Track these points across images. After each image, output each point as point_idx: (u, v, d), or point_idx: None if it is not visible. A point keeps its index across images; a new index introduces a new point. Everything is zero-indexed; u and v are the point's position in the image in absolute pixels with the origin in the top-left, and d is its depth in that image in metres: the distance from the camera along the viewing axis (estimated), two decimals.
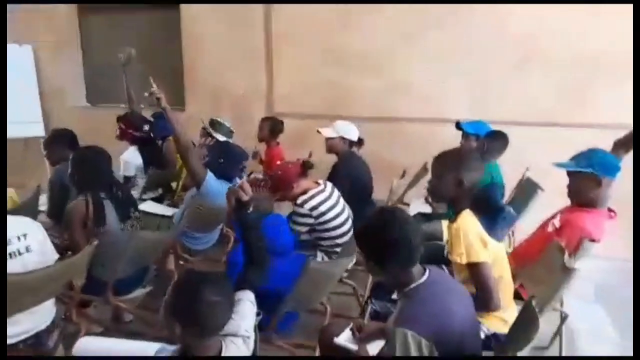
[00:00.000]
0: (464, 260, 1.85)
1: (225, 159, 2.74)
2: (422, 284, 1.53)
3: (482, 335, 1.91)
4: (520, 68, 3.90)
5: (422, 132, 4.14)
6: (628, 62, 3.53)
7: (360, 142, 3.41)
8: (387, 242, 1.48)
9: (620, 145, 2.44)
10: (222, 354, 1.31)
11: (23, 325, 1.90)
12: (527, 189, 3.19)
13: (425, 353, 1.38)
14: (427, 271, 1.57)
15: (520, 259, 2.34)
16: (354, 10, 4.22)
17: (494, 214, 1.98)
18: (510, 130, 3.50)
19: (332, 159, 3.42)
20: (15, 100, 5.12)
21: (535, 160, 3.80)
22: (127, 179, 3.62)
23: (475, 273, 1.85)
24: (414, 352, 1.37)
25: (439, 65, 4.09)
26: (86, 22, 5.43)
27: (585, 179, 2.21)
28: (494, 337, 1.91)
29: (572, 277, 1.87)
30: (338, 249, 2.64)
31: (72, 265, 1.99)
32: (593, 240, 2.12)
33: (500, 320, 1.92)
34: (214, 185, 2.68)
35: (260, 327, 1.78)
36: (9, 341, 1.86)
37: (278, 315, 1.92)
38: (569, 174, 2.28)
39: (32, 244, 1.92)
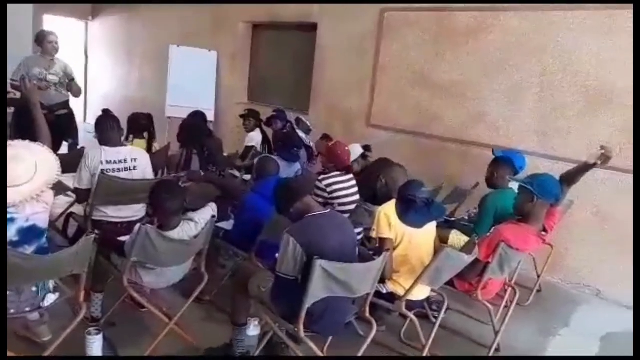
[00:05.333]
0: (374, 235, 2.52)
1: (283, 144, 3.75)
2: (314, 215, 2.25)
3: (384, 291, 2.54)
4: (588, 108, 4.04)
5: (489, 156, 4.50)
6: None
7: (364, 156, 4.06)
8: (283, 190, 2.34)
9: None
10: (178, 228, 2.33)
11: (123, 212, 3.16)
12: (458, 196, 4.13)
13: (297, 256, 2.11)
14: (327, 211, 2.31)
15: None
16: (445, 43, 4.83)
17: (416, 206, 2.55)
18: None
19: None
20: (198, 92, 7.00)
21: (599, 201, 3.94)
22: (248, 147, 4.98)
23: (379, 245, 2.50)
24: (290, 252, 2.12)
25: (514, 100, 4.43)
26: (257, 37, 7.02)
27: (524, 193, 2.60)
28: (391, 294, 2.53)
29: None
30: None
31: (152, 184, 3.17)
32: (510, 246, 2.52)
33: (398, 284, 2.53)
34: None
35: (247, 250, 2.75)
36: (114, 220, 3.14)
37: (257, 240, 2.82)
38: (520, 188, 2.68)
39: (138, 166, 3.19)
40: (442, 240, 3.20)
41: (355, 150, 3.90)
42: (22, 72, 4.57)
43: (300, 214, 2.29)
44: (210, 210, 2.51)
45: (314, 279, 2.00)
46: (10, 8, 7.28)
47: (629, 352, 3.05)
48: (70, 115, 5.18)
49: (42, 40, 4.85)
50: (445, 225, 3.61)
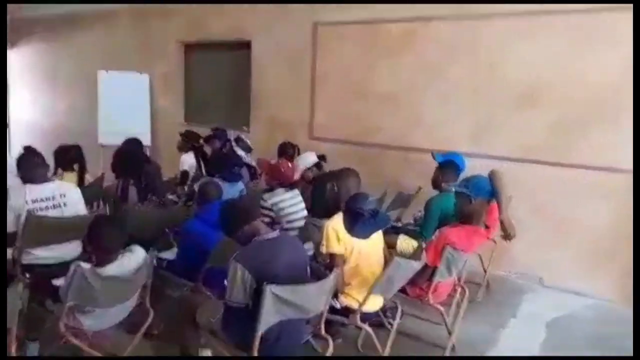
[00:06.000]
0: (324, 250, 2.50)
1: (222, 163, 3.67)
2: (263, 238, 2.20)
3: (338, 306, 2.52)
4: (518, 108, 4.24)
5: (428, 160, 4.62)
6: (626, 103, 3.71)
7: (318, 165, 4.08)
8: (231, 211, 2.25)
9: None
10: (116, 261, 2.20)
11: (55, 252, 2.95)
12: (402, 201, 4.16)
13: (247, 282, 2.05)
14: (276, 233, 2.25)
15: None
16: (378, 54, 4.93)
17: (363, 219, 2.55)
18: (507, 166, 3.97)
19: None
20: (132, 116, 6.76)
21: (529, 195, 4.12)
22: (183, 172, 4.82)
23: (330, 260, 2.48)
24: (238, 279, 2.05)
25: (447, 105, 4.58)
26: (189, 56, 6.88)
27: (462, 197, 2.68)
28: (345, 309, 2.51)
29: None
30: None
31: (86, 220, 3.01)
32: (455, 248, 2.57)
33: (351, 297, 2.51)
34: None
35: (193, 279, 2.64)
36: (46, 262, 2.93)
37: (203, 267, 2.72)
38: (456, 194, 2.75)
39: (67, 202, 2.99)
40: (389, 246, 3.22)
41: (310, 159, 3.88)
42: None
43: (249, 237, 2.23)
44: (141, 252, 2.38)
45: (265, 305, 1.94)
46: None
47: (574, 336, 3.25)
48: None
49: None
50: (392, 231, 3.65)
